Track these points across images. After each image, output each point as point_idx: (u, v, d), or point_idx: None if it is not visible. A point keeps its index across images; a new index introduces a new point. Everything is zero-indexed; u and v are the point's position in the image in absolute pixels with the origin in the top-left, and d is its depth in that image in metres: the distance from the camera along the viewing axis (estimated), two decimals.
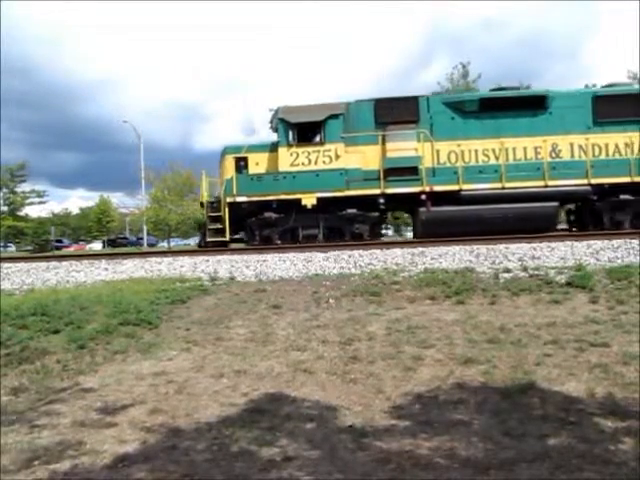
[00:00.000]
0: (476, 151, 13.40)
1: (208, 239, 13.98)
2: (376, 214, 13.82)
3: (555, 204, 13.08)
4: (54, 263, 11.70)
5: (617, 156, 13.25)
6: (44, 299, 7.86)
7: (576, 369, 4.83)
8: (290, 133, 13.70)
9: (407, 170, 13.25)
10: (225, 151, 14.36)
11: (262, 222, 13.70)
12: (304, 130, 13.80)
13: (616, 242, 10.15)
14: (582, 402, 4.18)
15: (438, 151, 13.46)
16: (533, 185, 13.13)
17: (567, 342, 5.43)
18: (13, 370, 5.67)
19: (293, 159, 13.54)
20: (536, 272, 8.14)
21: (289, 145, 13.65)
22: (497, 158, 13.31)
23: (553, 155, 13.32)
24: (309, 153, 13.51)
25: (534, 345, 5.43)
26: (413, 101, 13.68)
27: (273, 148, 13.97)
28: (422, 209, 13.30)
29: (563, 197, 13.32)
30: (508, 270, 8.40)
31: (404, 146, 13.33)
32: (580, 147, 13.30)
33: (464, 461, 3.31)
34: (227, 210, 13.65)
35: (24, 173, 46.50)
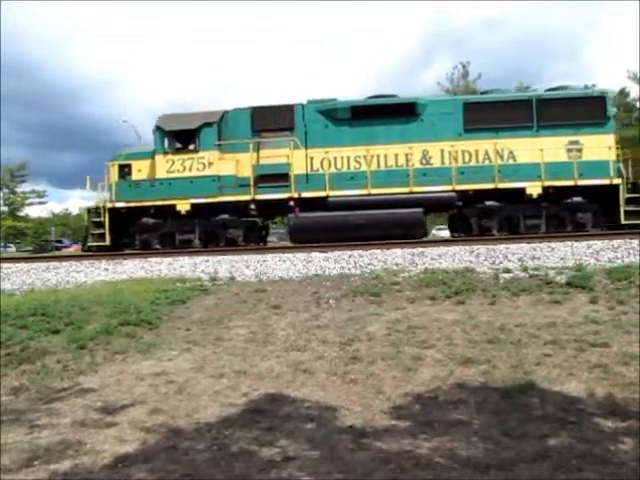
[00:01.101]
0: (347, 158, 13.59)
1: (89, 243, 14.43)
2: (251, 219, 14.21)
3: (420, 210, 13.08)
4: (54, 263, 11.72)
5: (487, 162, 13.24)
6: (44, 299, 7.87)
7: (576, 369, 4.83)
8: (166, 141, 14.13)
9: (278, 177, 13.54)
10: (111, 158, 14.86)
11: (141, 227, 14.08)
12: (179, 138, 14.27)
13: (616, 242, 10.16)
14: (582, 402, 4.18)
15: (312, 158, 13.72)
16: (398, 191, 13.22)
17: (567, 342, 5.43)
18: (13, 370, 5.68)
19: (169, 166, 13.94)
20: (536, 272, 8.14)
21: (165, 152, 14.04)
22: (366, 165, 13.45)
23: (424, 162, 13.40)
24: (184, 160, 13.90)
25: (534, 345, 5.43)
26: (289, 109, 13.95)
27: (153, 155, 14.36)
28: (291, 215, 13.56)
29: (429, 203, 13.31)
30: (508, 270, 8.40)
31: (276, 153, 13.63)
32: (450, 154, 13.33)
33: (464, 461, 3.31)
34: (107, 215, 14.06)
35: (24, 173, 46.67)
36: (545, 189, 12.88)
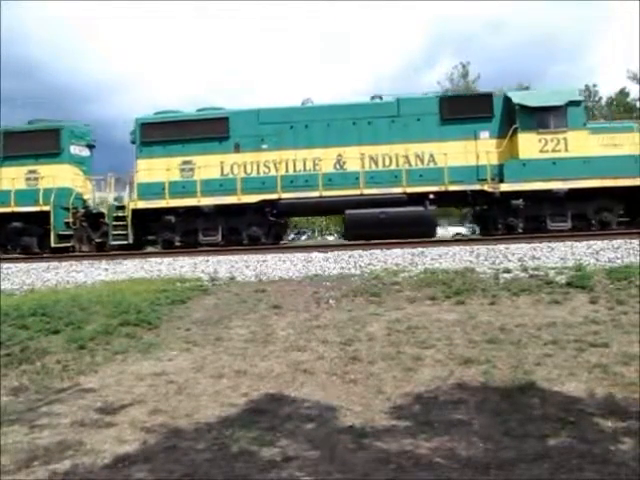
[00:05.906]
0: None
1: None
2: None
3: None
4: (54, 263, 11.70)
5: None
6: (44, 299, 7.87)
7: (576, 369, 4.83)
8: None
9: None
10: None
11: None
12: None
13: (616, 242, 10.15)
14: (582, 402, 4.18)
15: None
16: None
17: (567, 342, 5.43)
18: (13, 370, 5.68)
19: None
20: (536, 272, 8.13)
21: None
22: None
23: None
24: None
25: (534, 345, 5.43)
26: None
27: None
28: None
29: None
30: (508, 270, 8.39)
31: None
32: None
33: (464, 461, 3.31)
34: None
35: None
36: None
